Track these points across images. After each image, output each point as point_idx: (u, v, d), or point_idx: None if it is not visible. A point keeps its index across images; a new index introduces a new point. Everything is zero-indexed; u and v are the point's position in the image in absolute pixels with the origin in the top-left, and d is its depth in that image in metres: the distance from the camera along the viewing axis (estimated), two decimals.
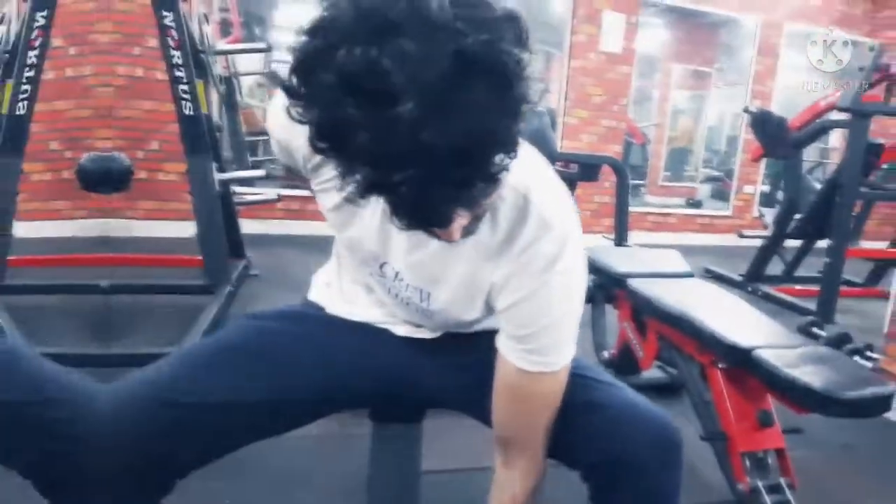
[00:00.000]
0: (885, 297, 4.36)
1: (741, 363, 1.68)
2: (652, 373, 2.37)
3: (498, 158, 0.63)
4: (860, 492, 1.99)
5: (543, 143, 3.65)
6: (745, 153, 6.29)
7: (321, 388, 1.02)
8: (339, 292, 1.12)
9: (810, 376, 1.52)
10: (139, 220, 4.43)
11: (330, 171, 0.86)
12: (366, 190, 0.62)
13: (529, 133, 3.88)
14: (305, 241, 4.97)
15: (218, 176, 3.05)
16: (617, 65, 5.55)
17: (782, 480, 1.74)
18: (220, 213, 3.08)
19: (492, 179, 0.64)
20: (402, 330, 1.09)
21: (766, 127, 4.02)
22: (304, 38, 0.61)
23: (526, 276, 0.87)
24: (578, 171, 3.87)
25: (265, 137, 5.96)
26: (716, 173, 8.00)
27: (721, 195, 7.03)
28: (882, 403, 1.49)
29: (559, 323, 0.90)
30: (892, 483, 2.07)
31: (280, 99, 0.94)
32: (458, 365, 1.05)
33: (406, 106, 0.56)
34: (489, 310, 0.96)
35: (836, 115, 3.95)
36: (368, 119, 0.58)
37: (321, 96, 0.60)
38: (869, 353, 2.34)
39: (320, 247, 4.94)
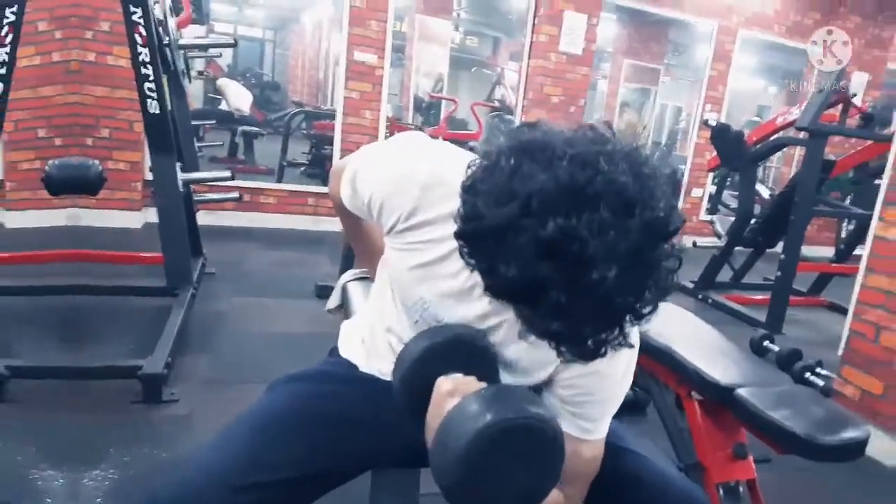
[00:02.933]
0: (827, 307, 4.62)
1: (722, 400, 1.75)
2: None
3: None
4: None
5: None
6: (696, 157, 6.47)
7: (369, 450, 1.06)
8: (375, 346, 1.14)
9: (792, 420, 1.59)
10: (88, 210, 4.26)
11: (423, 235, 0.92)
12: (549, 336, 0.69)
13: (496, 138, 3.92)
14: (257, 234, 4.94)
15: (182, 176, 2.95)
16: (576, 65, 5.60)
17: None
18: (183, 215, 3.00)
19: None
20: None
21: (725, 140, 4.16)
22: (489, 203, 0.66)
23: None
24: None
25: (203, 122, 5.85)
26: None
27: None
28: (859, 448, 1.58)
29: (613, 398, 0.96)
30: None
31: (380, 154, 1.00)
32: None
33: (607, 272, 0.61)
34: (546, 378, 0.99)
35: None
36: (566, 281, 0.62)
37: (516, 257, 0.64)
38: (819, 371, 2.47)
39: (272, 240, 4.95)
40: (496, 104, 7.52)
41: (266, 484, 0.93)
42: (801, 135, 3.78)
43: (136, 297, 3.07)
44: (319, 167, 6.09)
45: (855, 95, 4.02)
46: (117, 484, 1.80)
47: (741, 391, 1.72)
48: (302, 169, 6.21)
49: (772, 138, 4.17)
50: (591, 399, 0.95)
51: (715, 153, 4.53)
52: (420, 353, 0.92)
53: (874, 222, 2.62)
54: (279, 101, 7.97)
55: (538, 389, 1.00)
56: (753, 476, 1.86)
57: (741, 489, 1.87)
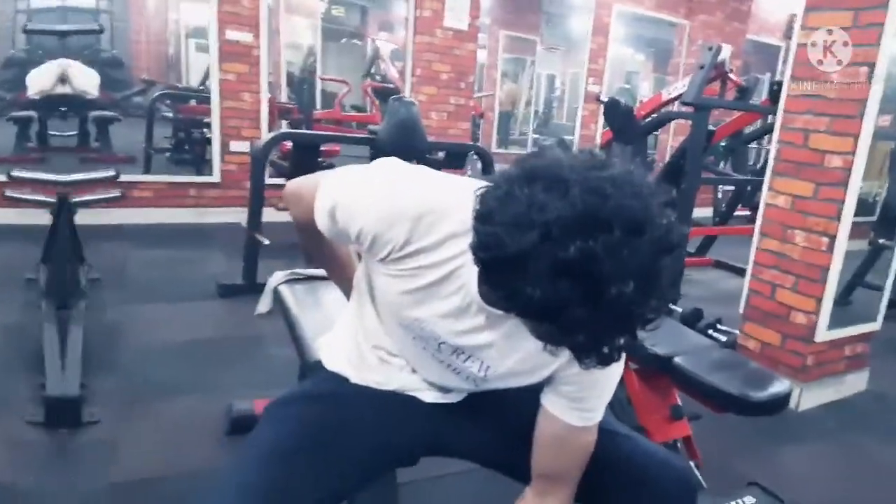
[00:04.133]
0: (714, 265, 5.10)
1: (662, 369, 1.96)
2: None
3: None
4: (736, 455, 2.40)
5: (413, 133, 3.75)
6: (583, 129, 6.83)
7: (370, 463, 1.13)
8: (364, 360, 1.20)
9: (727, 382, 1.82)
10: None
11: (418, 262, 0.99)
12: (572, 347, 0.79)
13: (398, 122, 3.97)
14: (133, 231, 4.69)
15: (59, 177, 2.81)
16: (463, 42, 5.74)
17: (691, 463, 2.07)
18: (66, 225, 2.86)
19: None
20: (429, 396, 1.20)
21: (616, 115, 4.46)
22: (500, 230, 0.75)
23: None
24: (444, 159, 4.03)
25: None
26: (548, 140, 8.57)
27: None
28: (785, 401, 1.83)
29: (610, 386, 1.10)
30: (758, 444, 2.52)
31: (362, 189, 1.03)
32: (484, 424, 1.20)
33: (624, 287, 0.71)
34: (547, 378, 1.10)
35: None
36: (587, 297, 0.71)
37: (540, 280, 0.72)
38: (720, 327, 2.77)
39: (147, 239, 4.75)
40: (382, 80, 7.49)
41: None
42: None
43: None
44: (189, 152, 5.84)
45: (731, 70, 4.44)
46: None
47: (678, 359, 1.93)
48: (167, 154, 5.92)
49: (658, 112, 4.52)
50: (591, 392, 1.08)
51: (607, 128, 4.85)
52: None
53: (764, 192, 2.94)
54: (124, 80, 7.50)
55: (541, 387, 1.11)
56: (689, 433, 2.11)
57: (679, 446, 2.11)
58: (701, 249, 5.15)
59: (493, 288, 0.81)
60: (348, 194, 1.03)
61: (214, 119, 5.14)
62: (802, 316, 2.79)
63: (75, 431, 2.16)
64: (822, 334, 2.77)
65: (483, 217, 0.79)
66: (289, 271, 2.22)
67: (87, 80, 6.42)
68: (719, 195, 6.36)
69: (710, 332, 2.43)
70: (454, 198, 0.99)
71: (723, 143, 5.50)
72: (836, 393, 2.97)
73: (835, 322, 2.79)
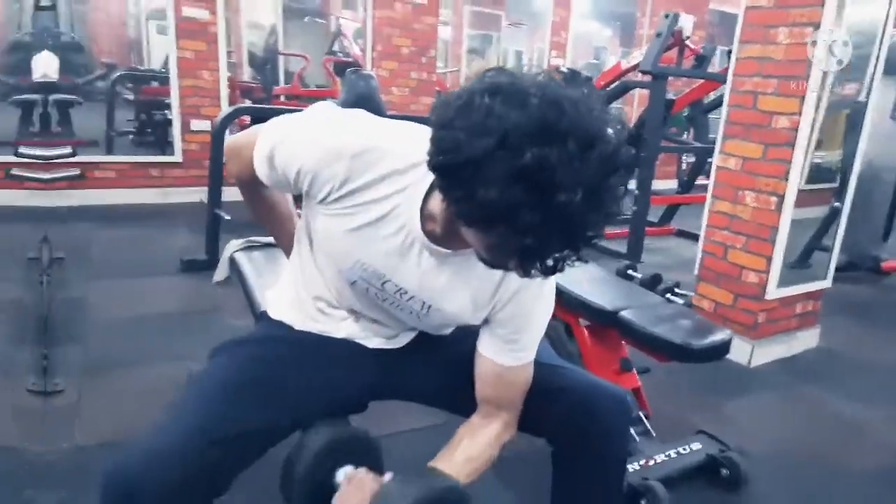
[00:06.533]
0: (676, 234, 5.20)
1: (609, 323, 2.04)
2: None
3: None
4: (688, 408, 2.49)
5: (371, 106, 3.78)
6: None
7: (315, 401, 1.17)
8: (305, 311, 1.25)
9: (670, 332, 1.91)
10: None
11: (358, 199, 1.04)
12: (520, 253, 0.83)
13: (356, 96, 3.99)
14: (98, 212, 4.71)
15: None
16: (423, 15, 5.75)
17: (641, 413, 2.16)
18: None
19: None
20: (374, 343, 1.25)
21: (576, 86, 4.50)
22: (461, 134, 0.79)
23: (527, 294, 1.11)
24: None
25: None
26: None
27: None
28: (725, 348, 1.92)
29: (541, 327, 1.16)
30: (710, 397, 2.62)
31: (299, 130, 1.07)
32: (427, 365, 1.26)
33: (573, 196, 0.76)
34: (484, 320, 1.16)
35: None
36: (538, 202, 0.77)
37: (494, 183, 0.77)
38: (678, 290, 2.86)
39: (111, 219, 4.80)
40: (344, 57, 7.48)
41: (230, 437, 1.02)
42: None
43: None
44: (152, 135, 5.82)
45: (689, 38, 4.51)
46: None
47: (624, 313, 2.02)
48: (131, 137, 5.91)
49: (618, 82, 4.58)
50: (522, 334, 1.14)
51: None
52: (314, 456, 1.12)
53: (716, 155, 3.03)
54: (85, 64, 7.41)
55: (478, 333, 1.18)
56: (638, 385, 2.20)
57: (629, 398, 2.19)
58: (664, 219, 5.25)
59: (448, 192, 0.85)
60: (286, 137, 1.07)
61: (174, 98, 5.12)
62: (753, 275, 2.89)
63: (42, 397, 2.22)
64: (773, 292, 2.88)
65: (443, 123, 0.83)
66: (244, 239, 2.26)
67: (45, 63, 6.37)
68: (683, 166, 6.47)
69: (668, 295, 2.51)
70: (392, 137, 1.04)
71: (685, 113, 5.59)
72: (788, 349, 3.08)
73: (785, 280, 2.90)
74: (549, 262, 0.85)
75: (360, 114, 1.10)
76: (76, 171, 3.70)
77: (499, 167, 0.77)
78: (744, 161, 2.89)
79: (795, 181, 2.74)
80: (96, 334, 2.76)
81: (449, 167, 0.82)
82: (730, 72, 2.94)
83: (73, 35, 7.91)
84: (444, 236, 1.03)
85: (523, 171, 0.76)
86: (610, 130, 0.80)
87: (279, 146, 1.07)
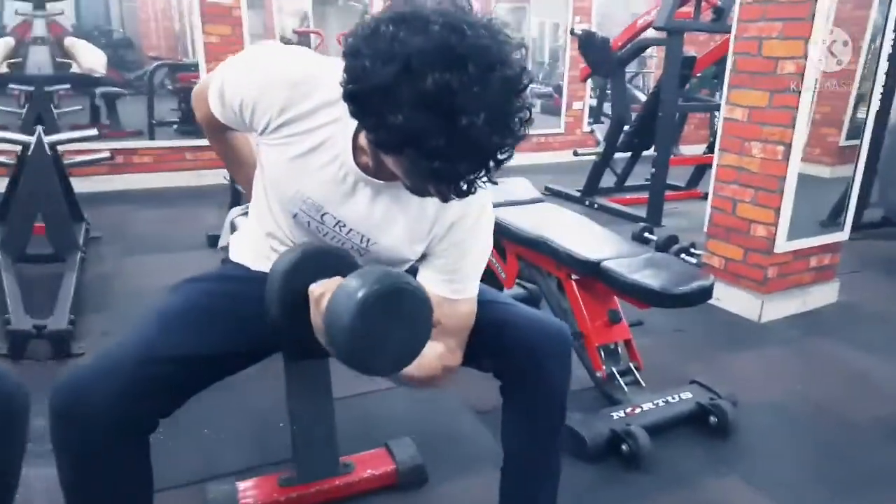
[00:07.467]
0: (703, 198, 5.10)
1: (592, 274, 2.05)
2: (514, 290, 2.72)
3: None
4: (690, 363, 2.47)
5: None
6: (571, 70, 6.77)
7: (262, 338, 1.21)
8: (259, 250, 1.30)
9: (649, 279, 1.91)
10: None
11: (296, 128, 1.08)
12: (432, 177, 0.85)
13: None
14: (136, 195, 4.93)
15: (47, 139, 2.96)
16: None
17: (631, 364, 2.18)
18: (55, 179, 3.02)
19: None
20: None
21: (592, 47, 4.45)
22: (367, 62, 0.82)
23: (462, 227, 1.15)
24: None
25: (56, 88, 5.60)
26: (544, 89, 8.51)
27: (551, 110, 7.55)
28: (705, 293, 1.92)
29: (479, 260, 1.20)
30: (715, 352, 2.60)
31: (243, 63, 1.13)
32: None
33: (476, 118, 0.79)
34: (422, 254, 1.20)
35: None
36: (443, 126, 0.80)
37: (401, 108, 0.80)
38: (693, 251, 2.83)
39: (147, 201, 4.97)
40: None
41: (175, 358, 1.08)
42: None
43: (25, 264, 3.06)
44: (193, 123, 5.99)
45: None
46: None
47: (607, 263, 2.02)
48: (174, 127, 6.11)
49: (635, 41, 4.49)
50: (460, 266, 1.18)
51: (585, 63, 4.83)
52: (285, 271, 1.10)
53: (723, 106, 2.97)
54: (135, 60, 7.65)
55: (415, 269, 1.21)
56: (629, 336, 2.21)
57: (619, 349, 2.21)
58: (691, 182, 5.14)
59: (361, 119, 0.88)
60: (232, 70, 1.15)
61: None
62: (762, 228, 2.84)
63: (65, 362, 2.35)
64: (782, 245, 2.82)
65: (351, 52, 0.86)
66: (245, 205, 2.34)
67: (93, 59, 6.60)
68: (715, 127, 6.30)
69: (683, 255, 2.51)
70: (329, 69, 1.06)
71: (713, 71, 5.42)
72: (803, 304, 3.02)
73: (795, 233, 2.84)
74: (463, 185, 0.88)
75: (301, 48, 1.15)
76: (107, 154, 3.90)
77: (404, 93, 0.80)
78: (750, 111, 2.83)
79: (802, 128, 2.68)
80: (122, 303, 2.91)
81: (358, 94, 0.85)
82: (734, 18, 2.88)
83: (120, 30, 8.19)
84: (375, 167, 1.07)
85: (426, 96, 0.79)
86: (514, 54, 0.82)
87: (227, 80, 1.14)
